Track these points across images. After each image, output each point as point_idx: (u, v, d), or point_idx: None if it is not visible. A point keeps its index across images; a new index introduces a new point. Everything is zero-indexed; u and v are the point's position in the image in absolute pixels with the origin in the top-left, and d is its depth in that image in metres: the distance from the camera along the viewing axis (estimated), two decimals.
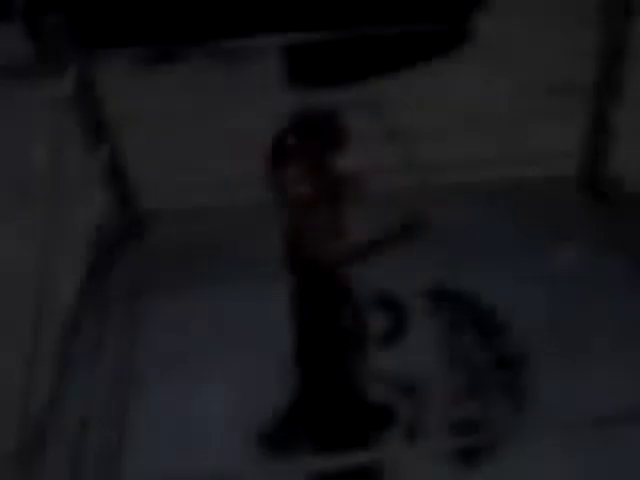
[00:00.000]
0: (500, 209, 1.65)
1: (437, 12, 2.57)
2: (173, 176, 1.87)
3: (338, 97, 2.35)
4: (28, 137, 1.17)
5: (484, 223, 1.60)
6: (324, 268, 1.02)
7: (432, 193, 1.71)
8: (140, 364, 1.36)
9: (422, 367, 1.29)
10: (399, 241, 0.97)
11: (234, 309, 1.45)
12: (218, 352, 1.37)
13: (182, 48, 1.93)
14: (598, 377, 1.25)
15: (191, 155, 2.11)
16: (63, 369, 1.34)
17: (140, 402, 1.29)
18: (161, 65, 2.93)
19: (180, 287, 1.52)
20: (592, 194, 1.67)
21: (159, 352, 1.38)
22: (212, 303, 1.47)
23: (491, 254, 1.52)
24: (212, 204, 1.70)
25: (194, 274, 1.54)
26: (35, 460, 1.15)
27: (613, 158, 1.64)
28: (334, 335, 1.16)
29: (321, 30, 1.47)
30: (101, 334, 1.41)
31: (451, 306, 1.42)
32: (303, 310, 1.19)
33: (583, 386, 1.24)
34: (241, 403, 1.27)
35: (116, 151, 1.57)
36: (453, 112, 1.86)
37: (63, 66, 1.40)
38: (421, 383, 1.27)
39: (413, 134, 2.15)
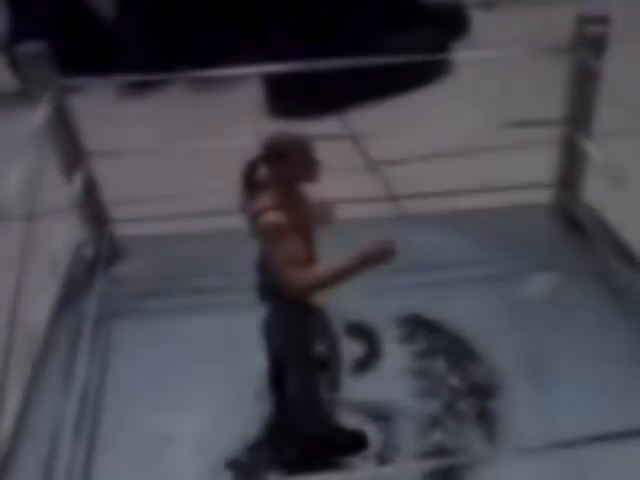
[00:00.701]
0: (474, 237, 1.66)
1: (418, 45, 2.60)
2: (148, 203, 1.88)
3: (317, 127, 2.38)
4: (4, 164, 1.18)
5: (457, 251, 1.62)
6: (295, 296, 1.02)
7: (405, 221, 1.73)
8: (110, 387, 1.35)
9: (395, 395, 1.29)
10: (369, 268, 0.97)
11: (206, 334, 1.44)
12: (189, 376, 1.36)
13: (162, 77, 1.94)
14: (570, 403, 1.25)
15: (167, 182, 2.12)
16: (33, 392, 1.33)
17: (110, 424, 1.28)
18: (141, 91, 2.95)
19: (152, 311, 1.53)
20: (565, 223, 1.70)
21: (129, 375, 1.37)
22: (184, 327, 1.47)
23: (464, 282, 1.54)
24: (187, 231, 1.71)
25: (166, 298, 1.55)
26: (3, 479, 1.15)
27: (586, 187, 1.67)
28: (306, 363, 1.15)
29: (300, 60, 1.49)
30: (72, 356, 1.40)
31: (424, 334, 1.42)
32: (275, 338, 1.19)
33: (555, 413, 1.24)
34: (211, 427, 1.26)
35: (92, 178, 1.59)
36: (426, 141, 1.88)
37: (40, 95, 1.42)
38: (393, 410, 1.26)
39: (387, 163, 2.17)
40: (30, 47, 1.40)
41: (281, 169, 0.99)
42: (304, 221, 1.02)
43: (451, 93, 2.71)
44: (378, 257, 0.97)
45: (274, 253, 0.99)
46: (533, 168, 1.67)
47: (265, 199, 0.99)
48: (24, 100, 1.44)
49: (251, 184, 1.02)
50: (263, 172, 1.01)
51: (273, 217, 0.97)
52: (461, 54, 2.75)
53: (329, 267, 0.98)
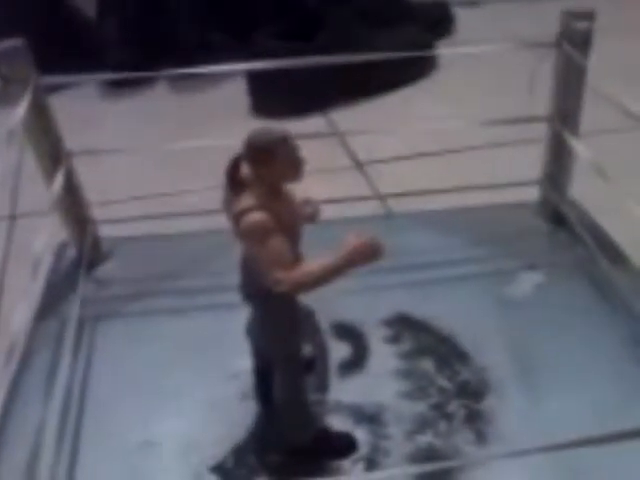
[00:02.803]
0: (460, 236, 1.65)
1: (402, 44, 2.59)
2: (131, 203, 1.86)
3: (301, 125, 2.36)
4: None
5: (444, 250, 1.61)
6: (281, 297, 1.00)
7: (392, 220, 1.72)
8: (93, 391, 1.33)
9: (383, 396, 1.27)
10: (356, 267, 0.96)
11: (190, 335, 1.43)
12: (173, 378, 1.34)
13: (145, 75, 1.92)
14: (560, 401, 1.24)
15: (150, 182, 2.09)
16: (15, 396, 1.31)
17: (93, 430, 1.26)
18: (123, 90, 2.92)
19: (135, 313, 1.51)
20: (551, 220, 1.69)
21: (113, 379, 1.36)
22: (168, 329, 1.46)
23: (451, 281, 1.53)
24: (170, 231, 1.69)
25: (150, 300, 1.53)
26: None
27: (572, 184, 1.66)
28: (293, 364, 1.14)
29: (285, 58, 1.48)
30: (55, 360, 1.38)
31: (412, 333, 1.41)
32: (261, 340, 1.18)
33: (545, 411, 1.23)
34: (195, 430, 1.24)
35: (73, 178, 1.56)
36: (411, 139, 1.87)
37: (18, 93, 1.39)
38: (382, 411, 1.25)
39: (375, 161, 2.16)
40: (8, 44, 1.37)
41: (264, 168, 0.97)
42: (289, 220, 1.00)
43: (436, 91, 2.70)
44: (365, 255, 0.95)
45: (259, 253, 0.97)
46: (520, 166, 1.67)
47: (249, 198, 0.97)
48: (3, 99, 1.41)
49: (235, 183, 1.00)
50: (246, 170, 0.99)
51: (257, 217, 0.95)
52: (446, 50, 2.73)
53: (316, 266, 0.96)
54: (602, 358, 1.33)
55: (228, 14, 3.10)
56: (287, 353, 1.10)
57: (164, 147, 1.65)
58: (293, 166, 0.99)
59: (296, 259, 0.99)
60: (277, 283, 0.96)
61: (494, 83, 2.58)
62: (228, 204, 1.01)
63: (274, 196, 0.99)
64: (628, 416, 1.17)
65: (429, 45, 2.76)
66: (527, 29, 2.10)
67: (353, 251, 0.95)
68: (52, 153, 1.50)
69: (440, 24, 3.21)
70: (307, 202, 1.13)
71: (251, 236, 0.96)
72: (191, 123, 2.52)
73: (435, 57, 2.86)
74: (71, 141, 1.57)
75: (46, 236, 1.39)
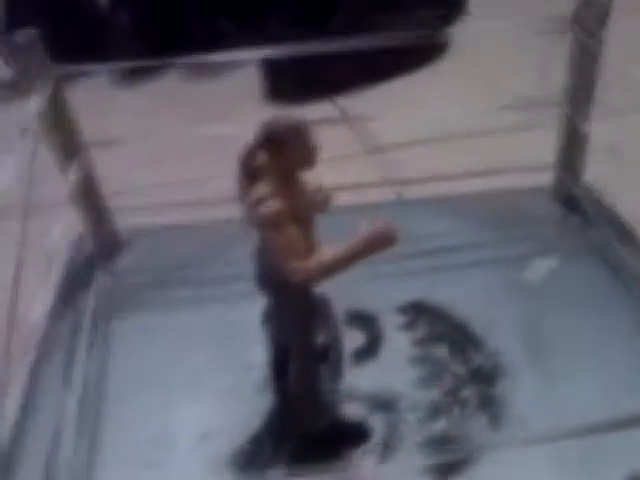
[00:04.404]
0: (474, 221, 1.65)
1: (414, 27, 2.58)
2: (148, 193, 1.87)
3: (316, 111, 2.35)
4: None
5: (457, 236, 1.61)
6: (296, 286, 1.01)
7: (405, 206, 1.72)
8: (110, 385, 1.35)
9: (397, 383, 1.28)
10: (371, 254, 0.96)
11: (206, 326, 1.44)
12: (189, 370, 1.35)
13: (158, 63, 1.92)
14: (576, 388, 1.24)
15: (166, 171, 2.10)
16: (33, 391, 1.32)
17: (111, 421, 1.27)
18: (136, 79, 2.92)
19: (152, 304, 1.52)
20: (565, 204, 1.68)
21: (129, 371, 1.37)
22: (184, 320, 1.46)
23: (464, 267, 1.53)
24: (187, 221, 1.70)
25: (167, 291, 1.54)
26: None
27: (586, 168, 1.65)
28: (309, 353, 1.15)
29: (299, 44, 1.47)
30: (72, 353, 1.39)
31: (426, 320, 1.42)
32: (277, 329, 1.18)
33: (559, 395, 1.23)
34: (212, 420, 1.26)
35: (89, 169, 1.57)
36: (425, 124, 1.86)
37: (33, 84, 1.40)
38: (397, 399, 1.26)
39: (389, 147, 2.15)
40: (23, 36, 1.38)
41: (279, 156, 0.97)
42: (303, 208, 1.01)
43: (449, 74, 2.68)
44: (380, 242, 0.96)
45: (274, 242, 0.97)
46: (533, 150, 1.66)
47: (263, 187, 0.98)
48: (19, 91, 1.42)
49: (249, 172, 1.00)
50: (261, 159, 0.99)
51: (272, 206, 0.95)
52: (458, 30, 2.70)
53: (331, 254, 0.97)
54: (615, 342, 1.33)
55: (239, 1, 3.09)
56: (302, 342, 1.11)
57: (178, 135, 1.65)
58: (307, 154, 0.99)
59: (311, 247, 1.00)
60: (292, 272, 0.97)
61: (508, 66, 2.55)
62: (243, 192, 1.01)
63: (289, 184, 0.99)
64: None
65: (441, 28, 2.74)
66: (542, 10, 2.07)
67: (368, 238, 0.95)
68: (69, 144, 1.50)
69: (453, 6, 3.19)
70: (318, 190, 1.13)
71: (267, 225, 0.96)
72: (205, 111, 2.52)
73: (448, 40, 2.83)
74: (86, 131, 1.57)
75: (63, 228, 1.41)
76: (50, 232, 1.37)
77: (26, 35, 1.38)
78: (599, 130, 1.45)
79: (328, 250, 0.97)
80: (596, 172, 1.67)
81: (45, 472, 1.17)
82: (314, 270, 0.97)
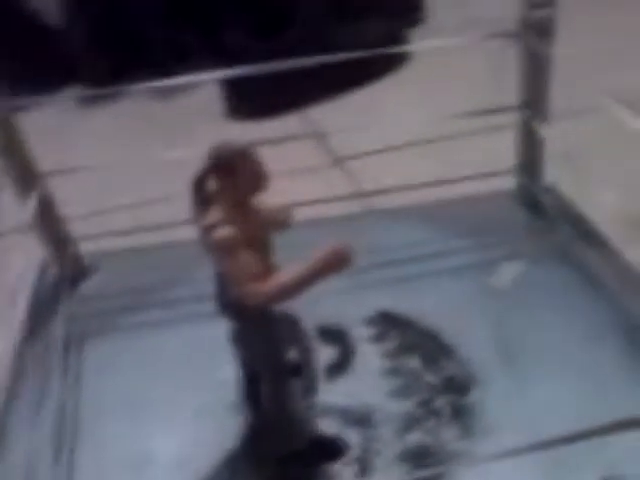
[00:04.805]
0: (439, 229, 1.66)
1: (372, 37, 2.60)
2: (111, 217, 1.85)
3: (277, 127, 2.36)
4: None
5: (423, 244, 1.61)
6: (254, 309, 1.01)
7: (371, 217, 1.72)
8: (85, 411, 1.33)
9: (371, 396, 1.28)
10: (328, 274, 0.96)
11: (178, 347, 1.43)
12: (163, 392, 1.34)
13: (115, 88, 1.91)
14: (548, 392, 1.25)
15: (129, 194, 2.08)
16: (6, 420, 1.30)
17: (87, 449, 1.26)
18: (95, 105, 2.90)
19: (122, 328, 1.50)
20: (529, 207, 1.70)
21: (103, 397, 1.35)
22: (155, 342, 1.45)
23: (432, 275, 1.53)
24: (151, 243, 1.69)
25: (135, 314, 1.53)
26: None
27: (546, 170, 1.67)
28: (278, 371, 1.14)
29: (256, 59, 1.47)
30: (45, 382, 1.37)
31: (397, 331, 1.42)
32: (243, 351, 1.18)
33: (533, 403, 1.23)
34: (188, 442, 1.24)
35: (48, 197, 1.55)
36: (386, 134, 1.87)
37: None
38: (371, 412, 1.25)
39: (353, 158, 2.15)
40: None
41: (228, 181, 0.98)
42: (258, 231, 1.01)
43: (408, 83, 2.70)
44: (336, 262, 0.95)
45: (229, 267, 0.97)
46: (494, 155, 1.67)
47: (215, 213, 0.98)
48: None
49: (201, 197, 1.00)
50: (211, 185, 0.99)
51: (224, 231, 0.96)
52: (413, 45, 2.74)
53: (288, 276, 0.97)
54: (586, 345, 1.34)
55: (197, 13, 3.08)
56: (270, 363, 1.11)
57: (138, 159, 1.65)
58: (257, 178, 0.99)
59: (267, 270, 1.00)
60: (249, 296, 0.97)
61: (465, 72, 2.58)
62: (196, 218, 1.01)
63: (241, 209, 0.99)
64: (614, 405, 1.17)
65: (400, 37, 2.77)
66: (498, 9, 2.08)
67: (323, 258, 0.95)
68: (25, 174, 1.49)
69: (411, 12, 3.22)
70: (278, 209, 1.13)
71: (220, 250, 0.96)
72: (168, 130, 2.51)
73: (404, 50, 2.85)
74: (47, 156, 1.55)
75: (26, 256, 1.39)
76: (13, 261, 1.35)
77: None
78: (556, 133, 1.46)
79: (285, 272, 0.97)
80: (555, 174, 1.69)
81: None
82: (271, 293, 0.97)
